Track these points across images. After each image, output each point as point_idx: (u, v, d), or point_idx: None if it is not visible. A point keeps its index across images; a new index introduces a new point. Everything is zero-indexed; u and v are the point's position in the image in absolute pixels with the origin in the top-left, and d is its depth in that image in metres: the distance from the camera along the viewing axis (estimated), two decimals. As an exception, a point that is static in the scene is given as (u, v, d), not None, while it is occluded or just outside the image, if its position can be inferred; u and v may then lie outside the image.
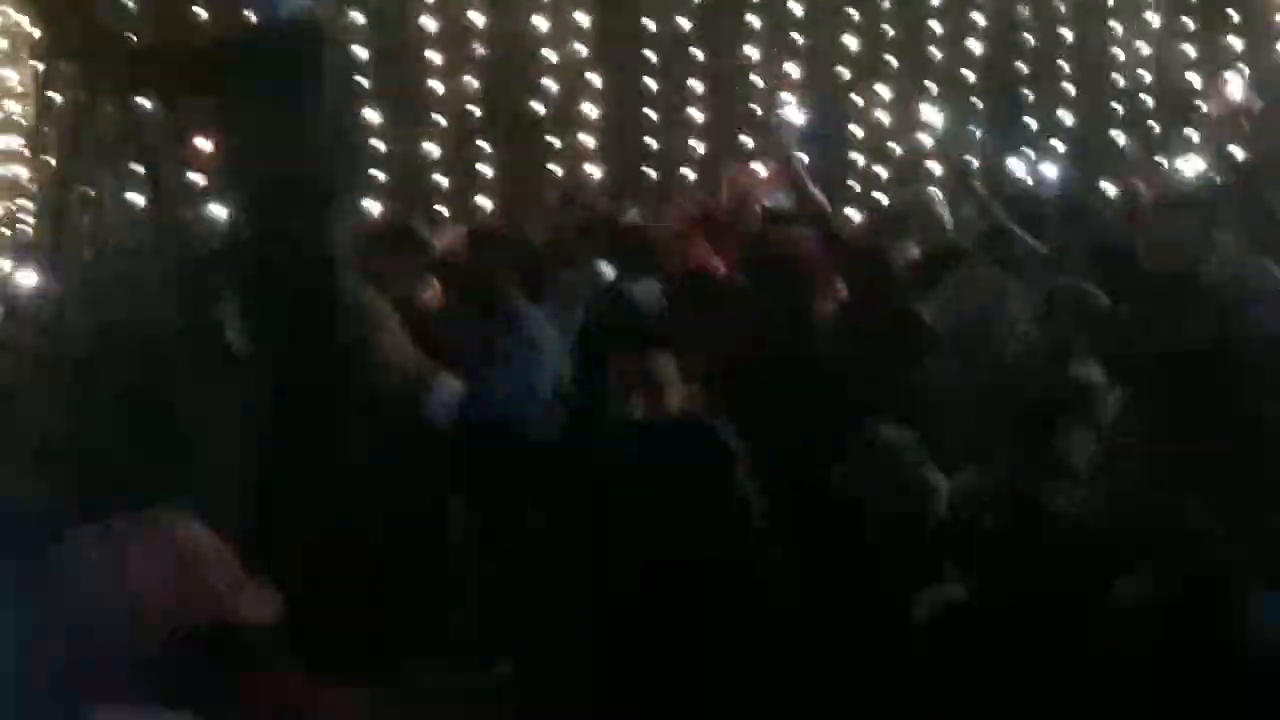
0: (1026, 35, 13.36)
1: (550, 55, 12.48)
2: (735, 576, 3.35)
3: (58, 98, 10.69)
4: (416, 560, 4.81)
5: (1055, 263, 7.86)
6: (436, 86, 12.31)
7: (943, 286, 7.30)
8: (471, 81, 12.33)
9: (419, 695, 3.62)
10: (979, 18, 13.23)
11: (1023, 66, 13.28)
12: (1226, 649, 3.11)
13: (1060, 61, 13.28)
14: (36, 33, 10.18)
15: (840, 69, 12.91)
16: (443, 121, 12.19)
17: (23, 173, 11.23)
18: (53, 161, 10.79)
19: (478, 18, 12.37)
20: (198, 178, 8.90)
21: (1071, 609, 3.46)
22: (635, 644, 3.38)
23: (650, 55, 12.67)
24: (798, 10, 12.99)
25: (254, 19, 6.68)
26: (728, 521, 3.49)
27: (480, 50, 12.31)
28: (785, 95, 11.78)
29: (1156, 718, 3.17)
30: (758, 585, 3.32)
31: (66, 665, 3.16)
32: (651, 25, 12.62)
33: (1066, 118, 13.06)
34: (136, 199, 10.14)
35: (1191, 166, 12.05)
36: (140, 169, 9.50)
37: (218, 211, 7.72)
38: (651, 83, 12.66)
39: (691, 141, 12.63)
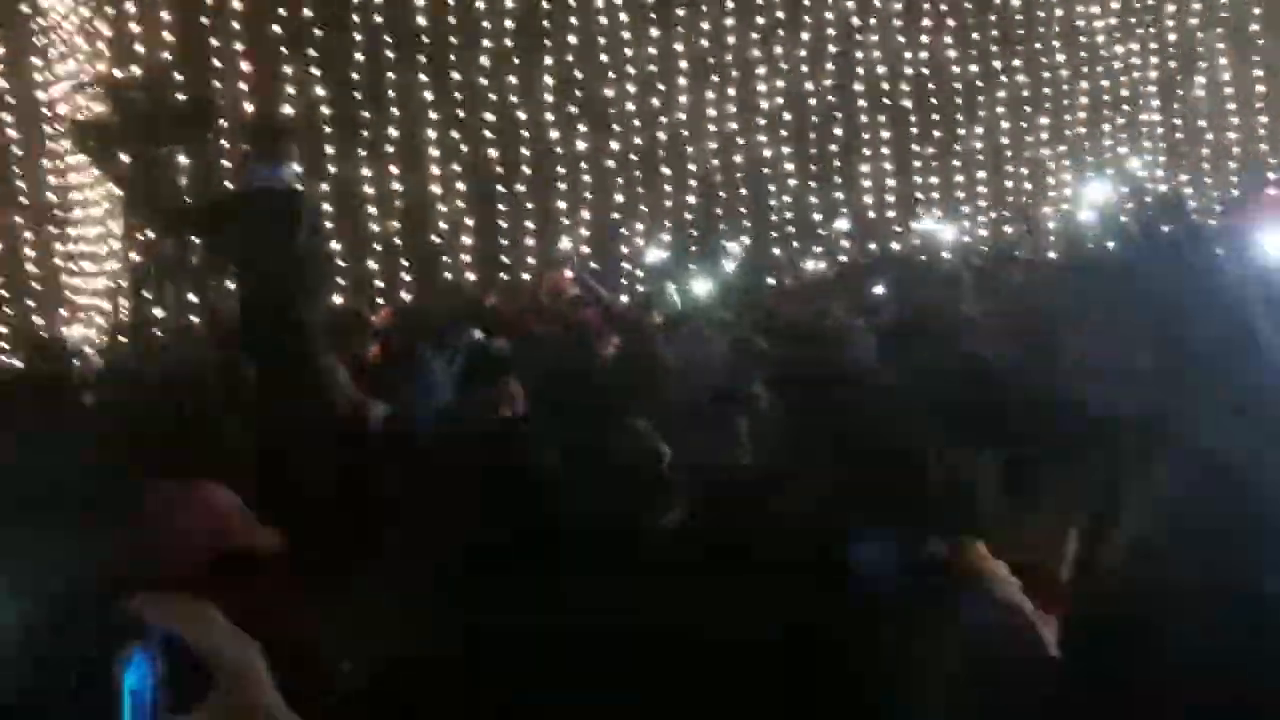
0: (722, 193, 13.66)
1: (440, 208, 12.56)
2: (538, 510, 3.32)
3: (140, 236, 10.56)
4: (359, 511, 4.74)
5: (737, 323, 7.99)
6: (373, 226, 12.32)
7: (676, 338, 7.40)
8: (394, 224, 12.38)
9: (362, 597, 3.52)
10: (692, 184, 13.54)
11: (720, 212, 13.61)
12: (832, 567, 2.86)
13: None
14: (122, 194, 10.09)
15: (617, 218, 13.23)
16: (378, 248, 12.25)
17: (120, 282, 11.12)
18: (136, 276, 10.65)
19: (397, 186, 12.42)
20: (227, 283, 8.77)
21: (742, 518, 3.47)
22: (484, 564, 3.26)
23: (501, 208, 12.84)
24: (587, 179, 13.21)
25: (258, 185, 6.61)
26: (536, 478, 3.48)
27: (397, 205, 12.38)
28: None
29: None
30: (552, 514, 3.31)
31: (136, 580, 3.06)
32: (500, 189, 12.85)
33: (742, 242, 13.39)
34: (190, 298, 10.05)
35: (815, 266, 12.38)
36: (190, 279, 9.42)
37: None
38: (503, 223, 12.83)
39: (528, 259, 12.82)
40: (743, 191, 13.73)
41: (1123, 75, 14.68)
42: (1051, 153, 14.55)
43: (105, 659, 1.39)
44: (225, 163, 10.86)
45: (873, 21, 14.12)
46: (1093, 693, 2.48)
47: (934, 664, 2.58)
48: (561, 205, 13.10)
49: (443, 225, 12.60)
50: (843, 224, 13.73)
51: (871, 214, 13.96)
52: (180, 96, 11.13)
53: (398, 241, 12.40)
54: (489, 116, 12.91)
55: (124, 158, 9.79)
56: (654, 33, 13.51)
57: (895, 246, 13.37)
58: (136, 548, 2.99)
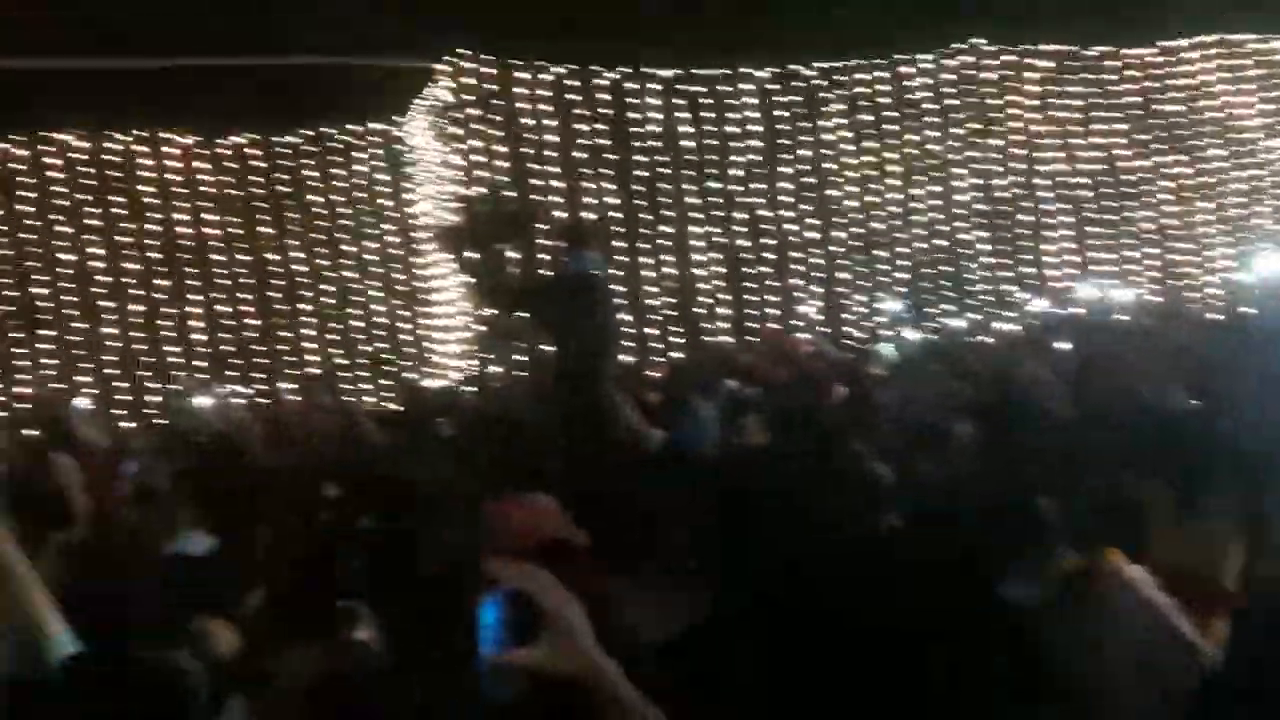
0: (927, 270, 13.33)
1: (703, 286, 12.68)
2: (784, 512, 3.20)
3: (483, 312, 11.07)
4: (642, 514, 4.75)
5: (943, 373, 7.66)
6: (654, 303, 12.54)
7: (893, 384, 7.20)
8: (671, 299, 12.58)
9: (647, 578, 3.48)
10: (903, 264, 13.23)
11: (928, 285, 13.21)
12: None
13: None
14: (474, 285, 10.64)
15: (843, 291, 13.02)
16: (658, 318, 12.46)
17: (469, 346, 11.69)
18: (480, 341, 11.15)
19: (670, 270, 12.63)
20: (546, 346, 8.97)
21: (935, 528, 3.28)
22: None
23: (750, 285, 12.85)
24: (818, 261, 13.11)
25: (572, 271, 6.77)
26: (783, 489, 3.40)
27: (670, 284, 12.57)
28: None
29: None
30: (794, 515, 3.20)
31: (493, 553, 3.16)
32: (749, 270, 12.86)
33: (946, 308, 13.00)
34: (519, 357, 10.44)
35: (1008, 327, 11.81)
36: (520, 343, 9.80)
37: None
38: (751, 297, 12.85)
39: (772, 324, 12.81)
40: (945, 268, 13.41)
41: (1274, 165, 13.71)
42: (1213, 231, 13.67)
43: (469, 602, 1.54)
44: (544, 255, 11.35)
45: (1053, 128, 13.68)
46: (1254, 684, 2.32)
47: (1082, 660, 2.39)
48: (798, 282, 13.12)
49: (705, 299, 12.83)
50: (1028, 293, 13.25)
51: (1053, 284, 13.42)
52: (512, 207, 11.74)
53: (671, 313, 12.69)
54: (739, 215, 13.10)
55: (471, 254, 10.36)
56: (869, 144, 13.46)
57: (1075, 310, 12.79)
58: (493, 533, 3.18)
